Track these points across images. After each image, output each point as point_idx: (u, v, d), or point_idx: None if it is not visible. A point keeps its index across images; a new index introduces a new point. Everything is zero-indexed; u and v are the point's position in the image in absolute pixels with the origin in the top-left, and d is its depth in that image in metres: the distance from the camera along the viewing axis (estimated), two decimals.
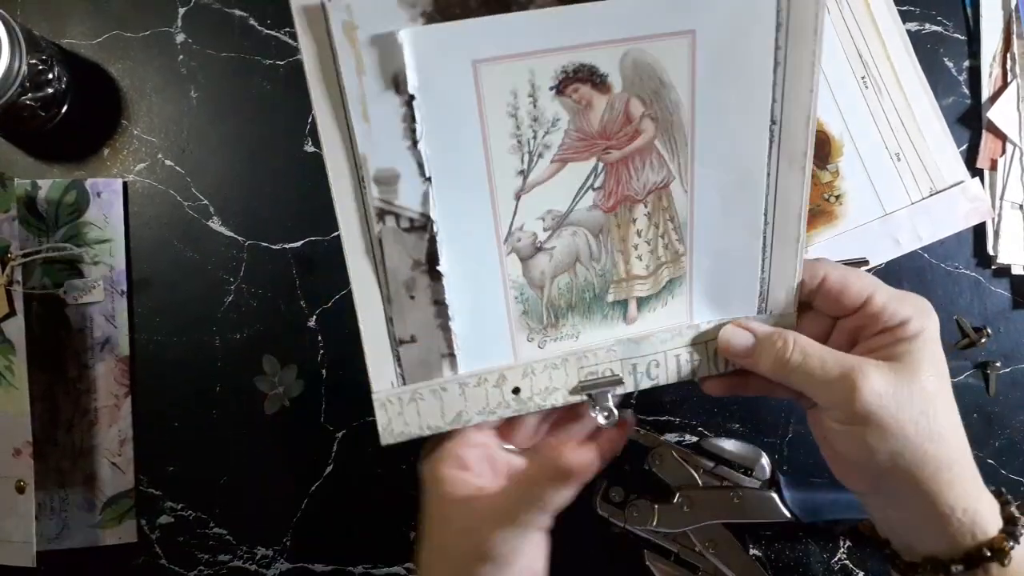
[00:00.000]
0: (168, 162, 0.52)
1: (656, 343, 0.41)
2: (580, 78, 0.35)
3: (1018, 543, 0.35)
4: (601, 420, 0.39)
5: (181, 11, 0.52)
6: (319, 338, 0.51)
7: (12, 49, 0.44)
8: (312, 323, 0.51)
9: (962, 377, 0.52)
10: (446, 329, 0.38)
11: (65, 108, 0.51)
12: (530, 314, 0.40)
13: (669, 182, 0.38)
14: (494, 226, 0.38)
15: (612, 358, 0.41)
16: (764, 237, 0.40)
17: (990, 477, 0.52)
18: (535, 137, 0.36)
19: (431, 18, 0.33)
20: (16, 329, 0.47)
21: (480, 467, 0.39)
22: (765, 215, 0.39)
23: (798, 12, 0.35)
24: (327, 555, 0.51)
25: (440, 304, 0.38)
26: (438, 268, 0.37)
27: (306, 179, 0.51)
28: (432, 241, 0.37)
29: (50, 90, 0.49)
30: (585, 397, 0.40)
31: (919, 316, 0.37)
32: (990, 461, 0.52)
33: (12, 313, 0.47)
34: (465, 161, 0.36)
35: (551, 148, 0.37)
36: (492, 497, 0.37)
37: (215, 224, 0.52)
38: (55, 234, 0.50)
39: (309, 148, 0.52)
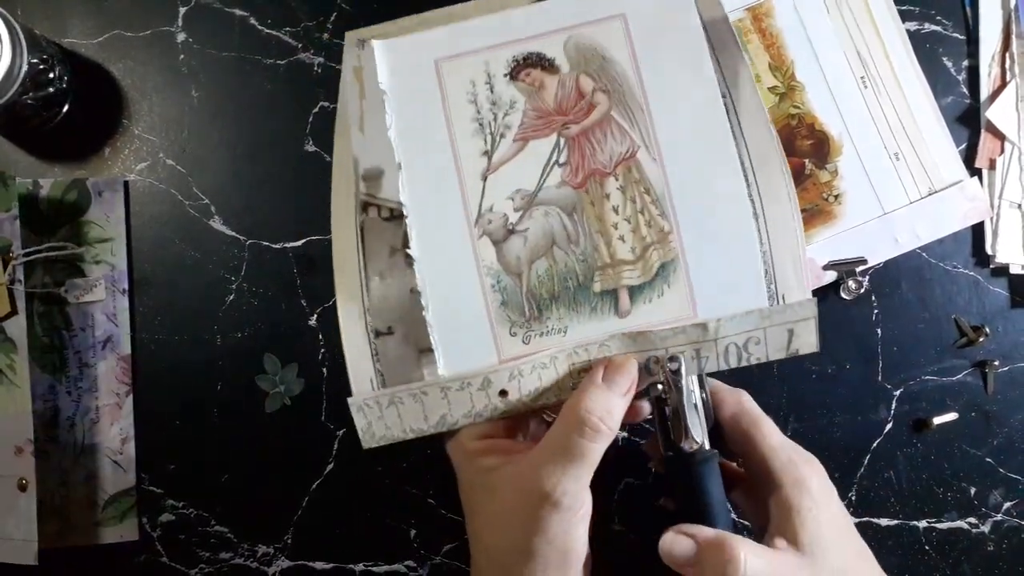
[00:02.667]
0: (169, 161, 0.52)
1: (656, 340, 0.38)
2: (530, 63, 0.40)
3: None
4: None
5: (182, 11, 0.52)
6: (320, 337, 0.51)
7: (13, 48, 0.44)
8: (313, 322, 0.51)
9: (960, 376, 0.52)
10: (422, 321, 0.39)
11: (66, 107, 0.51)
12: (509, 304, 0.39)
13: (635, 151, 0.39)
14: (463, 207, 0.39)
15: (605, 354, 0.39)
16: (751, 200, 0.39)
17: (988, 476, 0.52)
18: (496, 118, 0.40)
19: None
20: (18, 328, 0.47)
21: (507, 432, 0.39)
22: (745, 176, 0.39)
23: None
24: (328, 553, 0.51)
25: (415, 292, 0.39)
26: (409, 251, 0.39)
27: (307, 178, 0.52)
28: (407, 226, 0.39)
29: (51, 89, 0.49)
30: None
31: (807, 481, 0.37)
32: (988, 460, 0.52)
33: (14, 312, 0.47)
34: (431, 145, 0.40)
35: (512, 128, 0.40)
36: (538, 446, 0.36)
37: (216, 223, 0.52)
38: (56, 233, 0.50)
39: (310, 148, 0.52)
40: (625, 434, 0.52)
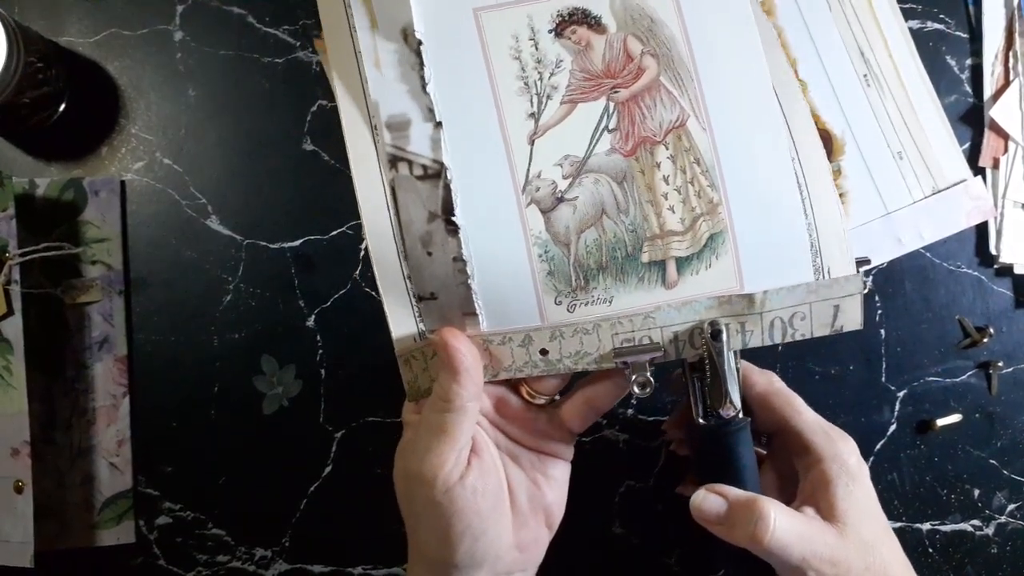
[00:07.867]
0: (166, 161, 0.52)
1: (700, 310, 0.38)
2: (575, 20, 0.38)
3: None
4: (636, 390, 0.37)
5: (179, 9, 0.52)
6: (318, 338, 0.51)
7: (10, 47, 0.44)
8: (311, 323, 0.51)
9: (964, 377, 0.52)
10: (467, 287, 0.37)
11: (63, 106, 0.51)
12: (556, 275, 0.38)
13: (685, 119, 0.38)
14: (510, 173, 0.38)
15: (650, 325, 0.38)
16: (795, 173, 0.38)
17: (992, 477, 0.52)
18: (541, 78, 0.38)
19: None
20: (14, 329, 0.47)
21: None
22: (792, 147, 0.39)
23: None
24: (326, 556, 0.51)
25: (459, 261, 0.37)
26: (454, 219, 0.37)
27: (305, 178, 0.51)
28: (447, 190, 0.37)
29: (48, 88, 0.48)
30: (619, 364, 0.38)
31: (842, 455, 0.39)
32: (992, 461, 0.52)
33: (10, 312, 0.47)
34: (474, 103, 0.37)
35: (559, 89, 0.38)
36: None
37: (213, 223, 0.51)
38: (53, 233, 0.50)
39: (308, 146, 0.51)
40: (627, 436, 0.51)
